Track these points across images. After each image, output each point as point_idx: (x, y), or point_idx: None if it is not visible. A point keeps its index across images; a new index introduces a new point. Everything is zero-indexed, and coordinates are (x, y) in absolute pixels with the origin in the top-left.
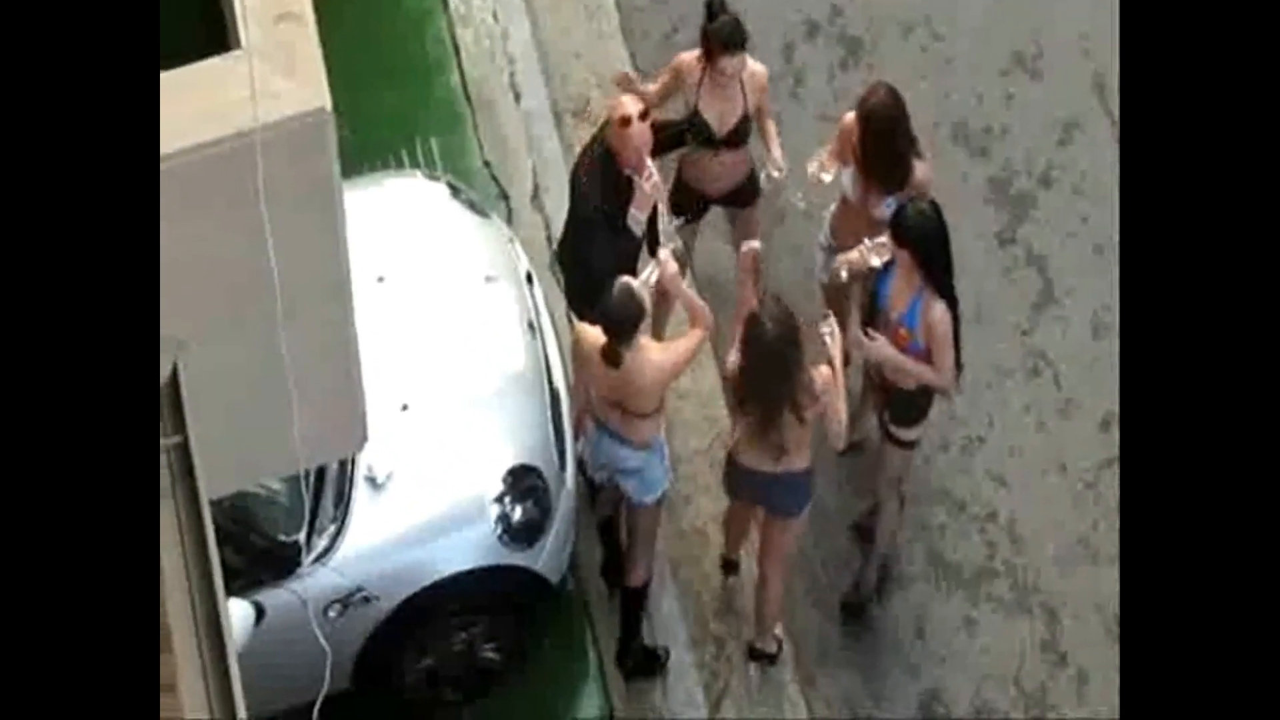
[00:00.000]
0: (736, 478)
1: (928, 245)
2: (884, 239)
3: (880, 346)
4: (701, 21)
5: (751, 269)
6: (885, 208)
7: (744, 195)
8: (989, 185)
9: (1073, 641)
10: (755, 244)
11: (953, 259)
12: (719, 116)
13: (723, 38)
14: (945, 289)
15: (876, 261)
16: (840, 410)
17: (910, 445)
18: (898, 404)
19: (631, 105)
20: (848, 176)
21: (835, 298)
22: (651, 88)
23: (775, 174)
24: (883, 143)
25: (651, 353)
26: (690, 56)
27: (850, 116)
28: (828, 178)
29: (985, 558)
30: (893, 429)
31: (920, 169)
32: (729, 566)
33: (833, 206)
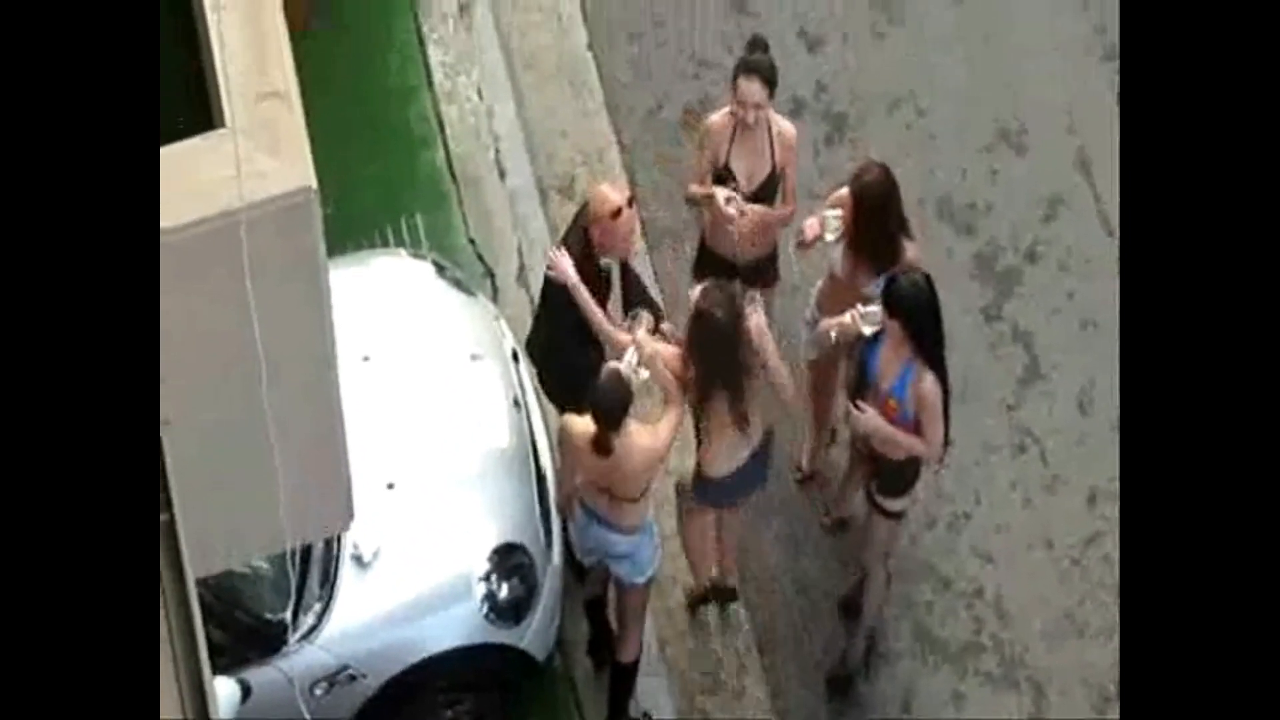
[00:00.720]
0: (716, 491)
1: (920, 317)
2: (875, 307)
3: (870, 418)
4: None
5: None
6: (874, 287)
7: (766, 272)
8: (974, 261)
9: (1060, 716)
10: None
11: (943, 331)
12: (747, 172)
13: (748, 63)
14: (936, 360)
15: (868, 330)
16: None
17: (898, 516)
18: (886, 475)
19: (617, 195)
20: (837, 252)
21: (822, 375)
22: (701, 182)
23: (730, 210)
24: (874, 221)
25: (640, 437)
26: (719, 115)
27: (844, 192)
28: (830, 236)
29: (972, 633)
30: (880, 499)
31: (910, 250)
32: (718, 595)
33: (820, 282)
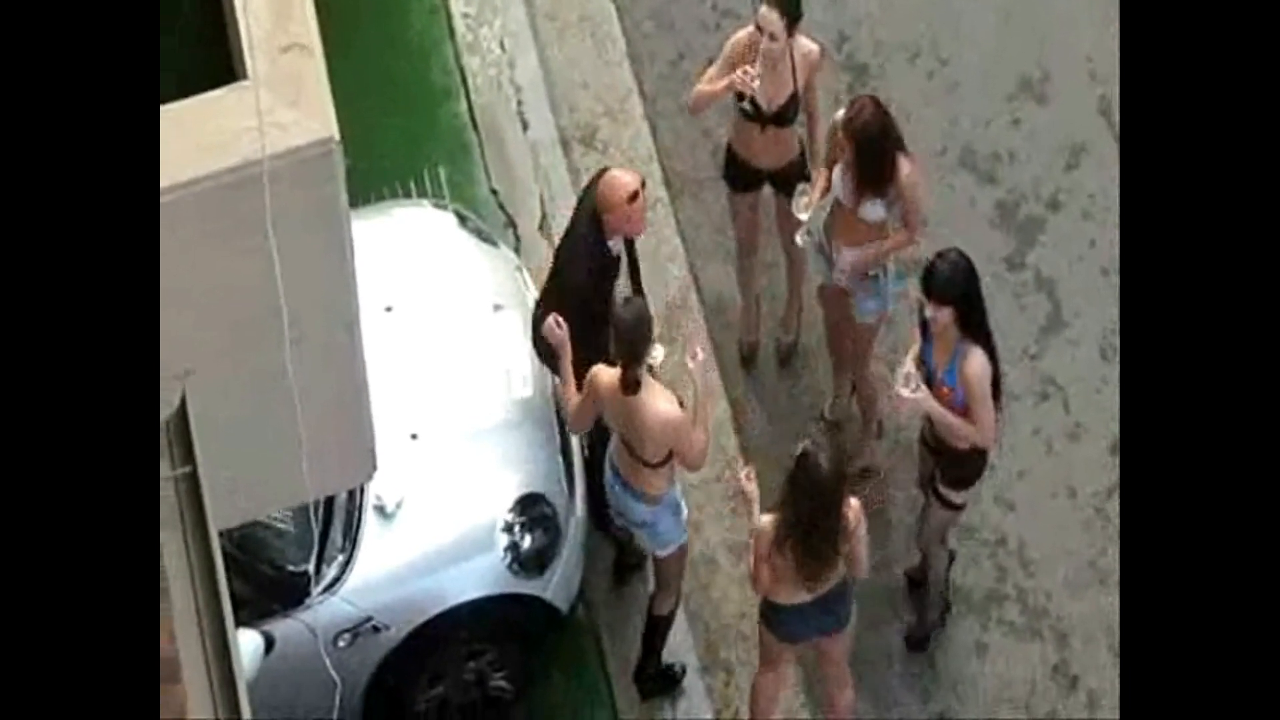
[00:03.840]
0: (782, 620)
1: (963, 297)
2: (911, 368)
3: (923, 399)
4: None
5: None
6: (871, 208)
7: (792, 177)
8: (997, 210)
9: (1083, 665)
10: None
11: (985, 308)
12: (768, 94)
13: None
14: (982, 335)
15: (905, 393)
16: (862, 546)
17: (959, 508)
18: (949, 464)
19: (631, 179)
20: (839, 175)
21: (832, 304)
22: (711, 82)
23: (755, 70)
24: (874, 155)
25: (659, 398)
26: (743, 34)
27: (840, 116)
28: (803, 216)
29: (995, 581)
30: (943, 490)
31: (905, 166)
32: None
33: (827, 209)
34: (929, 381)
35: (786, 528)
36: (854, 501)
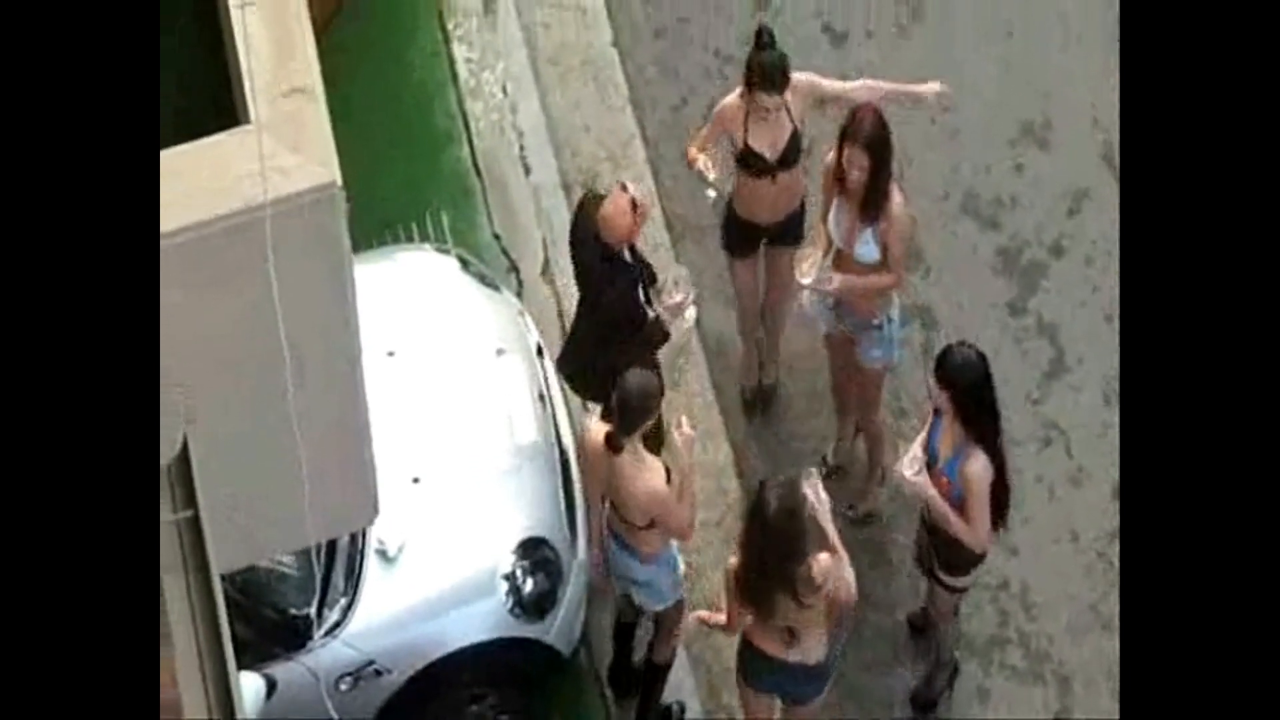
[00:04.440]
0: (752, 666)
1: (969, 392)
2: (918, 452)
3: (922, 485)
4: (749, 52)
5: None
6: (866, 248)
7: (795, 227)
8: (999, 256)
9: (1085, 710)
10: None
11: (997, 405)
12: (769, 144)
13: (765, 74)
14: (988, 440)
15: (909, 475)
16: (850, 581)
17: (960, 590)
18: (943, 546)
19: (624, 194)
20: (833, 218)
21: (837, 348)
22: (701, 144)
23: (711, 176)
24: (884, 165)
25: (647, 470)
26: (731, 99)
27: (832, 157)
28: (806, 281)
29: (998, 626)
30: (941, 575)
31: (896, 195)
32: None
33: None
34: (930, 464)
35: (743, 558)
36: (822, 557)
